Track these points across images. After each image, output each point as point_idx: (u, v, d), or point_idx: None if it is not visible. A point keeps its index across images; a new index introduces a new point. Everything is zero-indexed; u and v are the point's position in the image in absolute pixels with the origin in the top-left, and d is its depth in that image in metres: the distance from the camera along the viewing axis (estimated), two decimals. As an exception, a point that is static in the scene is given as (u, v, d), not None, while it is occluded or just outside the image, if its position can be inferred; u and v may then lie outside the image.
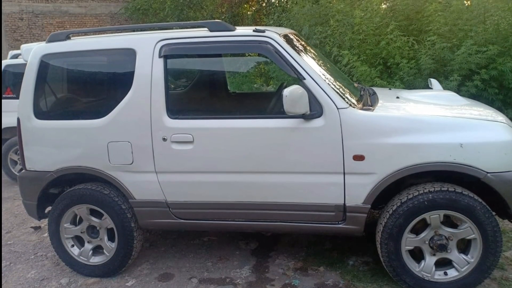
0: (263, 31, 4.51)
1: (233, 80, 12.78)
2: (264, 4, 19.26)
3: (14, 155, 9.16)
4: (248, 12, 19.74)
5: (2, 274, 5.38)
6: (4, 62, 9.35)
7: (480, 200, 4.09)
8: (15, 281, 5.22)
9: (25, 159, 5.08)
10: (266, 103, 5.98)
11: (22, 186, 5.21)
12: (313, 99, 4.21)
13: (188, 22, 5.45)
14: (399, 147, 4.10)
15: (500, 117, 4.53)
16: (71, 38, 5.11)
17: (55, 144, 4.93)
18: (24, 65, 5.16)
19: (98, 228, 5.05)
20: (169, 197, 4.76)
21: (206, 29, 4.70)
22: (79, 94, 5.43)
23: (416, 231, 4.27)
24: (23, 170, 5.16)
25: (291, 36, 5.05)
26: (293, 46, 4.61)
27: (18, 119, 5.02)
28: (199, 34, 4.68)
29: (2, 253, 5.91)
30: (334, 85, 4.48)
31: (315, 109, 4.22)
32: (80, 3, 23.60)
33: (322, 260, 5.20)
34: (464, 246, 4.29)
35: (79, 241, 5.18)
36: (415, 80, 8.03)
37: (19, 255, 5.88)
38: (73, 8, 23.50)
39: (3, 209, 7.66)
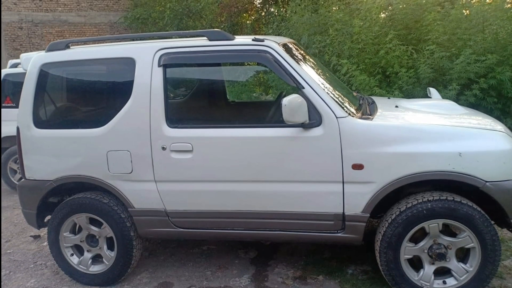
0: (262, 40, 4.52)
1: (232, 89, 12.80)
2: (263, 14, 19.29)
3: (14, 164, 9.17)
4: (247, 21, 19.79)
5: (2, 283, 5.37)
6: (4, 71, 9.36)
7: (479, 209, 4.10)
8: (14, 290, 5.23)
9: (25, 168, 5.09)
10: (265, 112, 6.00)
11: (22, 195, 5.21)
12: (312, 108, 4.22)
13: (187, 31, 5.44)
14: (398, 156, 4.10)
15: (499, 126, 4.54)
16: (71, 47, 5.13)
17: (55, 153, 4.93)
18: (23, 74, 5.17)
19: (97, 237, 5.05)
20: (168, 206, 4.76)
21: (205, 38, 4.72)
22: (79, 103, 5.44)
23: (415, 240, 4.27)
24: (23, 179, 5.16)
25: (290, 45, 5.07)
26: (292, 55, 4.63)
27: (18, 128, 5.03)
28: (198, 43, 4.69)
29: (2, 262, 5.90)
30: (333, 94, 4.49)
31: (314, 118, 4.23)
32: (79, 12, 23.67)
33: (321, 269, 5.20)
34: (463, 255, 4.29)
35: (79, 250, 5.19)
36: (414, 89, 8.04)
37: (18, 264, 5.88)
38: (73, 17, 23.56)
39: (2, 218, 7.66)
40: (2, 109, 8.92)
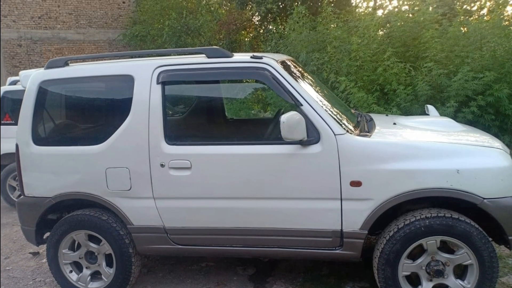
0: (261, 58, 4.54)
1: (231, 106, 12.84)
2: (261, 31, 19.38)
3: (13, 181, 9.17)
4: (246, 39, 19.87)
5: (0, 300, 5.36)
6: (3, 89, 9.37)
7: (476, 226, 4.10)
8: (12, 308, 5.21)
9: (24, 185, 5.09)
10: (263, 129, 6.01)
11: (21, 212, 5.21)
12: (310, 125, 4.23)
13: (186, 48, 5.47)
14: (396, 173, 4.11)
15: (497, 143, 4.54)
16: (70, 64, 5.14)
17: (54, 170, 4.94)
18: (22, 91, 5.18)
19: (96, 253, 5.04)
20: (167, 223, 4.76)
21: (203, 55, 4.74)
22: (78, 120, 5.45)
23: (413, 256, 4.26)
24: (22, 196, 5.16)
25: (289, 63, 5.09)
26: (290, 73, 4.65)
27: (17, 145, 5.04)
28: (197, 60, 4.72)
29: (1, 279, 5.88)
30: (331, 111, 4.50)
31: (312, 135, 4.24)
32: (78, 30, 23.73)
33: (319, 286, 5.18)
34: (460, 271, 4.28)
35: (78, 266, 5.17)
36: (412, 107, 8.06)
37: (17, 280, 5.86)
38: (72, 35, 23.61)
39: (1, 234, 7.64)
40: (1, 126, 8.93)
